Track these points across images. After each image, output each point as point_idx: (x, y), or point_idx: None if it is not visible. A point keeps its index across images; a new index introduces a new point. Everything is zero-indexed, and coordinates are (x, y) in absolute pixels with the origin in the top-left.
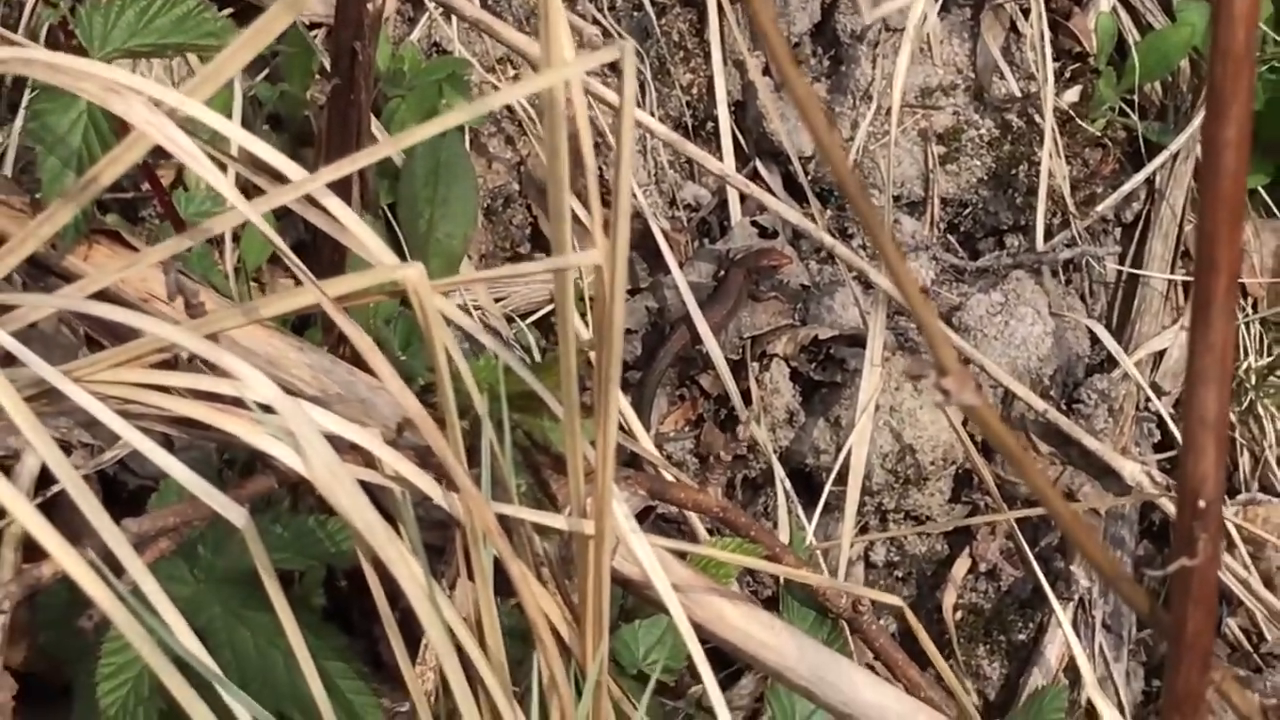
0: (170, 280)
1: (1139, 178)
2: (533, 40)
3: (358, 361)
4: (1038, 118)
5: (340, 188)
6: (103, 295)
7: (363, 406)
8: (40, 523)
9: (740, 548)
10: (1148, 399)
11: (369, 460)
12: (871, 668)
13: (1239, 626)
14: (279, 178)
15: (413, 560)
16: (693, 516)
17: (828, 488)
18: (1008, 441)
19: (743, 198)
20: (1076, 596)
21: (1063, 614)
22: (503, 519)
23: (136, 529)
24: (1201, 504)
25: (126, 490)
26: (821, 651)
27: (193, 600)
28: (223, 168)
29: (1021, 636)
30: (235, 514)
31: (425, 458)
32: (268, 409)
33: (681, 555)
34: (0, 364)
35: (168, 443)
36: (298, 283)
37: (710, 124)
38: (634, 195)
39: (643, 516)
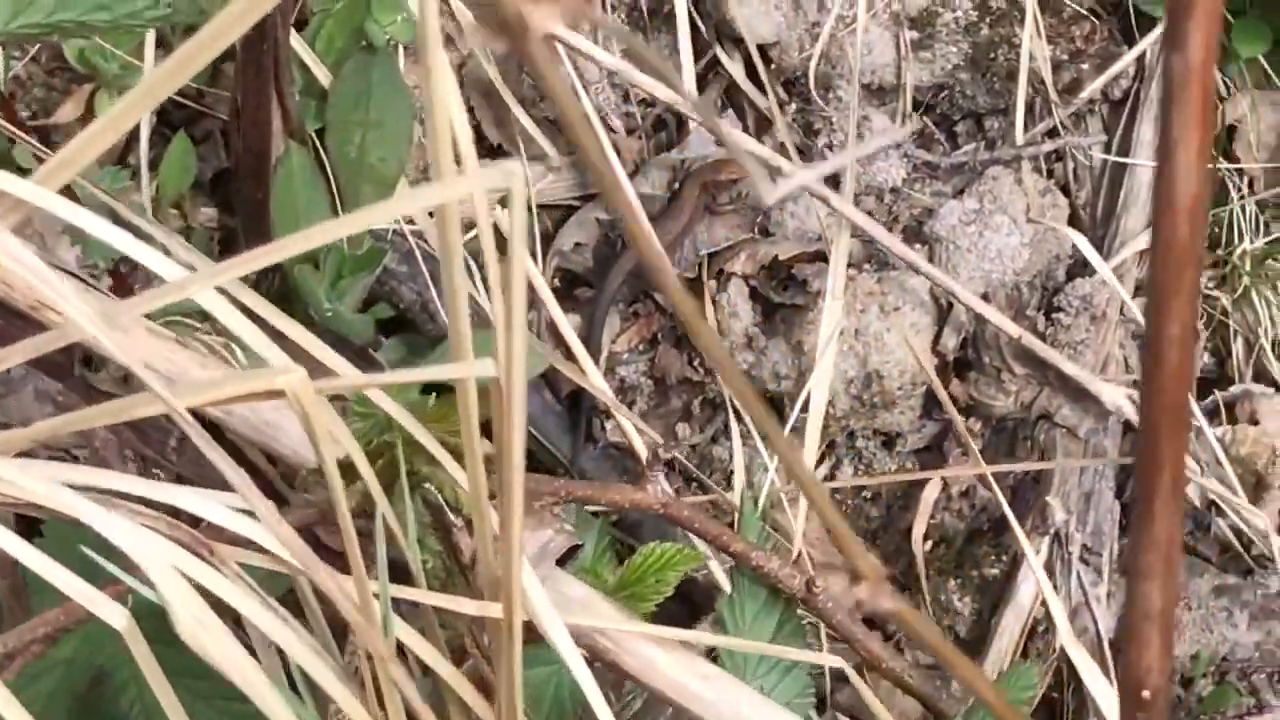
0: None
1: (1129, 56)
2: None
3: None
4: None
5: (261, 115)
6: None
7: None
8: None
9: (676, 555)
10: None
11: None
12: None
13: (1229, 527)
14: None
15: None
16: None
17: (793, 416)
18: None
19: (700, 88)
20: (1052, 530)
21: (1034, 557)
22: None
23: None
24: (1146, 695)
25: None
26: (758, 706)
27: None
28: None
29: (995, 571)
30: (115, 615)
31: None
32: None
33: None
34: None
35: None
36: (219, 210)
37: (666, 8)
38: (582, 93)
39: (571, 555)
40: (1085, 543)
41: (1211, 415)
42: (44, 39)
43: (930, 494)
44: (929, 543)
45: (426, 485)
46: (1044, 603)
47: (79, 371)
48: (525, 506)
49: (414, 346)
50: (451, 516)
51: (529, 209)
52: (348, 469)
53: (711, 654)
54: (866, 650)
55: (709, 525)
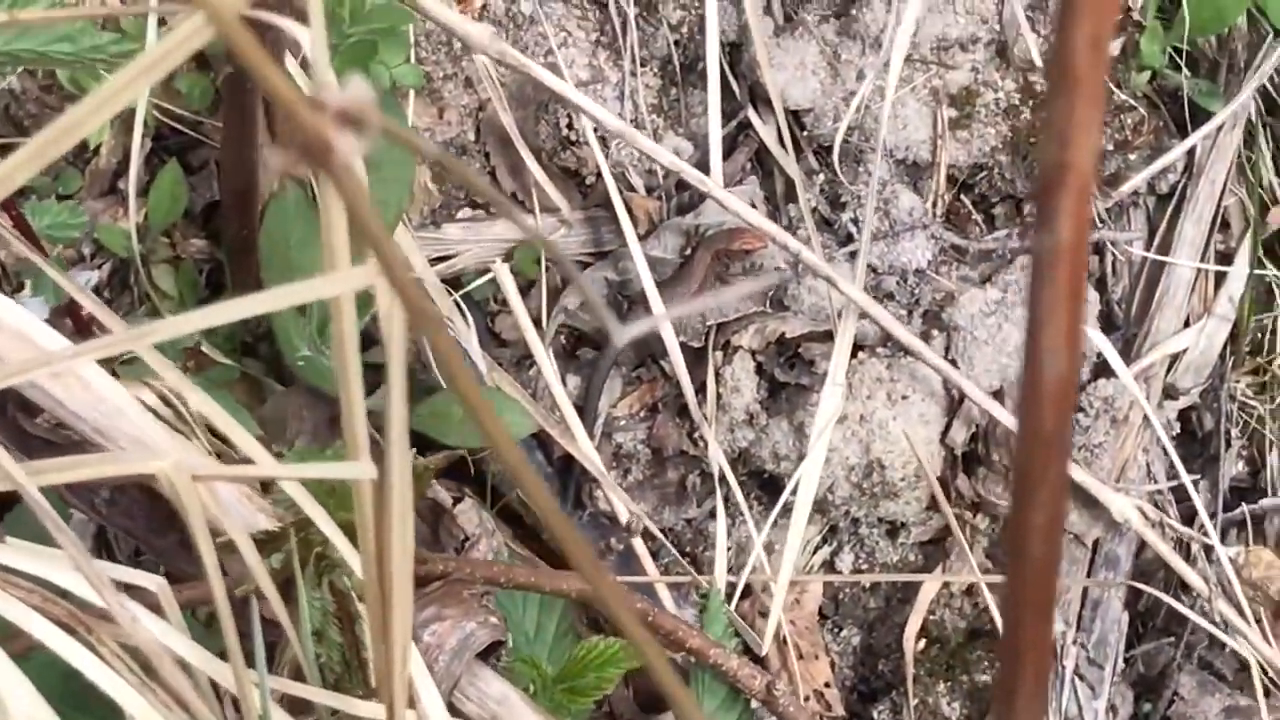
0: None
1: (1178, 150)
2: (466, 19)
3: None
4: None
5: (245, 156)
6: None
7: None
8: None
9: (618, 651)
10: (1159, 403)
11: None
12: None
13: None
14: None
15: None
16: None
17: (783, 497)
18: None
19: (729, 150)
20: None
21: None
22: None
23: None
24: None
25: None
26: None
27: None
28: None
29: (987, 678)
30: None
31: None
32: None
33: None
34: None
35: None
36: (210, 242)
37: (700, 66)
38: (598, 149)
39: (492, 649)
40: (1089, 655)
41: (1239, 528)
42: None
43: (928, 591)
44: (923, 641)
45: (337, 571)
46: None
47: (11, 414)
48: (452, 594)
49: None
50: (359, 607)
51: (538, 261)
52: (264, 543)
53: None
54: None
55: (664, 619)
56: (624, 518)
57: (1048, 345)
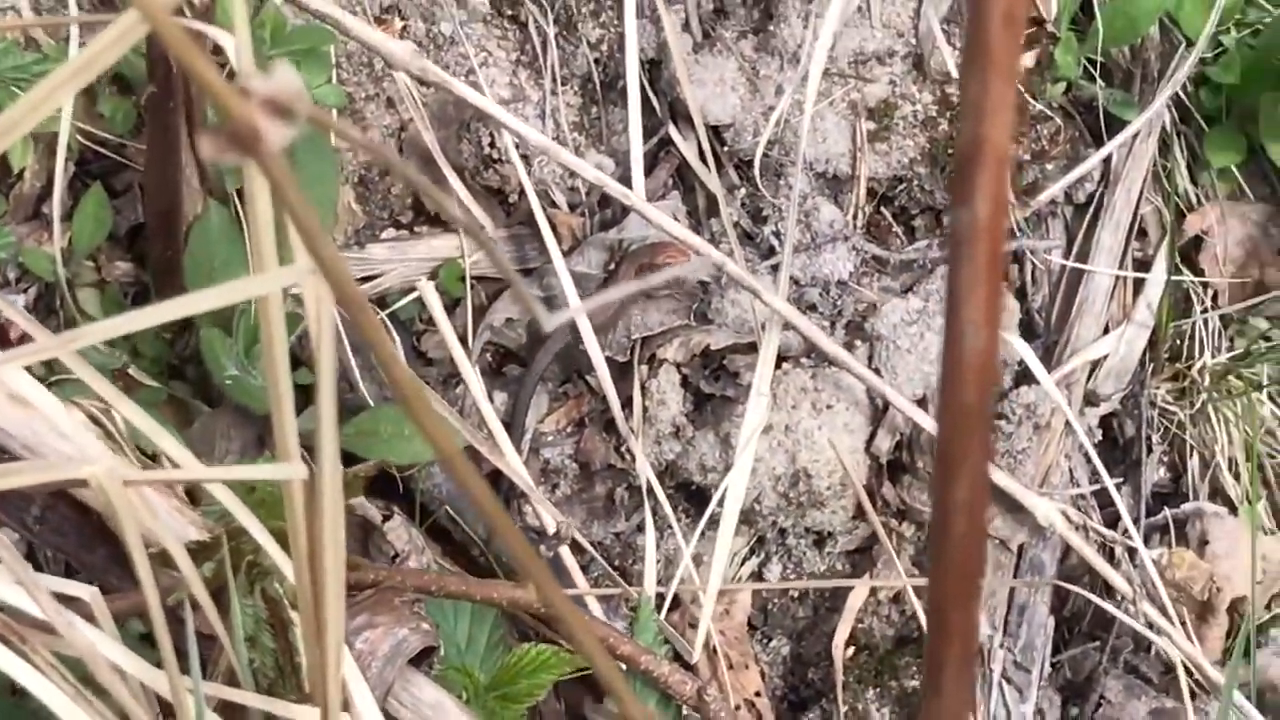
0: None
1: (1094, 159)
2: (388, 38)
3: None
4: None
5: (169, 175)
6: None
7: None
8: None
9: (551, 658)
10: (1081, 410)
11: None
12: None
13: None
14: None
15: None
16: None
17: (709, 509)
18: None
19: (651, 167)
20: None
21: None
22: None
23: None
24: None
25: None
26: None
27: None
28: None
29: (914, 683)
30: None
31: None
32: None
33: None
34: None
35: None
36: (135, 265)
37: (620, 83)
38: (520, 167)
39: (425, 656)
40: (1016, 659)
41: (1161, 532)
42: None
43: (856, 599)
44: (852, 649)
45: (269, 578)
46: None
47: None
48: (383, 602)
49: None
50: (291, 613)
51: (463, 279)
52: (197, 553)
53: None
54: None
55: (596, 627)
56: (552, 529)
57: (968, 319)
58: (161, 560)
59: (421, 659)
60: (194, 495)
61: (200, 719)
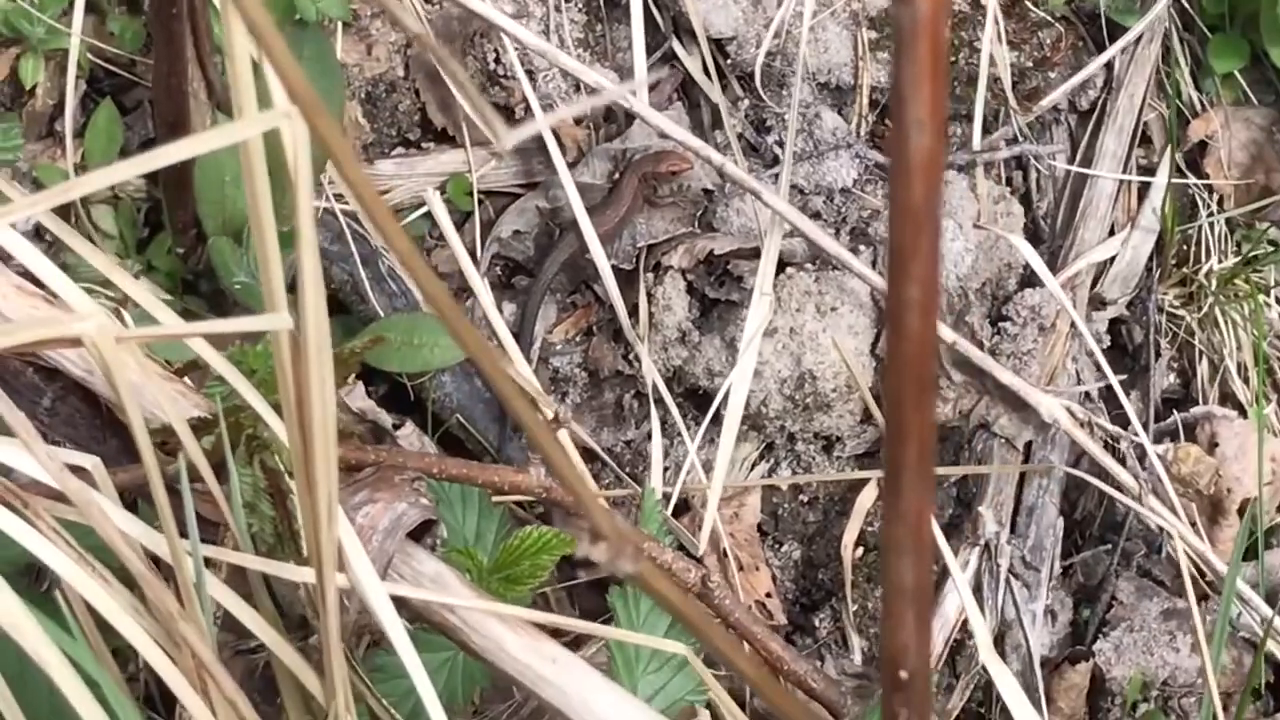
0: None
1: (1095, 64)
2: None
3: None
4: None
5: (174, 85)
6: None
7: None
8: None
9: (553, 539)
10: (1088, 315)
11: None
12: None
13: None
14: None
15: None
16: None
17: (710, 412)
18: (675, 609)
19: (651, 88)
20: (983, 541)
21: (956, 569)
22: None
23: None
24: (903, 675)
25: None
26: (605, 692)
27: None
28: None
29: None
30: None
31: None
32: None
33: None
34: None
35: None
36: (147, 180)
37: None
38: (528, 78)
39: (425, 529)
40: (1025, 557)
41: (1172, 436)
42: None
43: (865, 500)
44: (861, 549)
45: (268, 451)
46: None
47: None
48: (384, 480)
49: (345, 326)
50: (289, 482)
51: (471, 194)
52: (199, 428)
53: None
54: (765, 649)
55: (599, 514)
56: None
57: (913, 117)
58: (163, 447)
59: (422, 534)
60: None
61: (200, 580)
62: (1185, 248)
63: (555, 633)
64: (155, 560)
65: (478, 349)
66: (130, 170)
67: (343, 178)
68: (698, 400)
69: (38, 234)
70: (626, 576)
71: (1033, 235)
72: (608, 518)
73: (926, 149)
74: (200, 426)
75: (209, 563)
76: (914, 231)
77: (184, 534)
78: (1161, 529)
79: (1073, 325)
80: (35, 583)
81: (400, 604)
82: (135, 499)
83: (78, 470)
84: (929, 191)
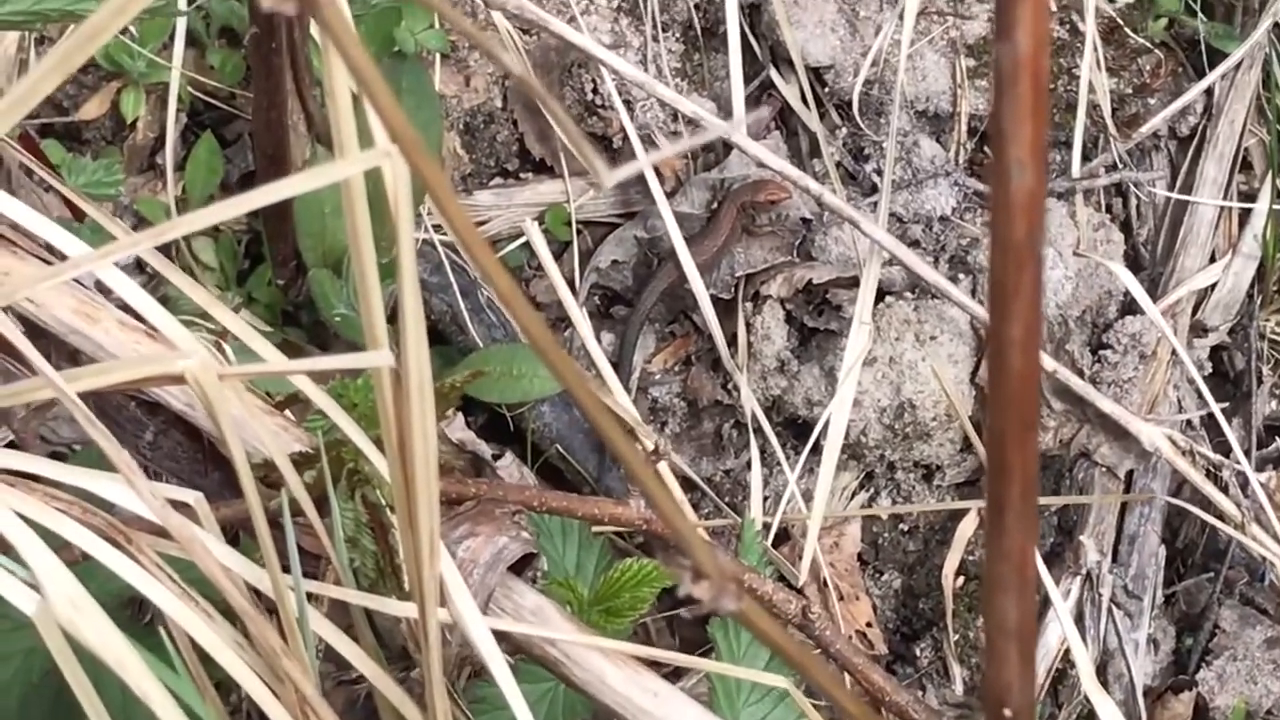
0: None
1: (1195, 90)
2: None
3: None
4: (1081, 25)
5: (274, 118)
6: None
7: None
8: None
9: (653, 571)
10: (1189, 342)
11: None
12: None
13: None
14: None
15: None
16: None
17: (810, 441)
18: (776, 643)
19: (753, 109)
20: (1084, 570)
21: (1058, 599)
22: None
23: None
24: (1007, 713)
25: None
26: None
27: None
28: None
29: None
30: (23, 601)
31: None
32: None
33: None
34: None
35: None
36: (250, 214)
37: (720, 28)
38: (625, 108)
39: (525, 562)
40: (1126, 585)
41: (1275, 463)
42: (26, 27)
43: (966, 529)
44: (962, 579)
45: (369, 486)
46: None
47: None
48: (485, 513)
49: (445, 357)
50: (390, 516)
51: (569, 224)
52: (300, 463)
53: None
54: (866, 680)
55: (699, 550)
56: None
57: (1014, 157)
58: (264, 481)
59: (523, 567)
60: (296, 412)
61: (303, 615)
62: None
63: (655, 664)
64: (257, 594)
65: (575, 383)
66: (231, 210)
67: (443, 217)
68: (797, 429)
69: (139, 267)
70: (731, 614)
71: (1133, 262)
72: (709, 554)
73: (1028, 189)
74: (302, 461)
75: (311, 597)
76: (1016, 270)
77: (286, 568)
78: (1264, 557)
79: (1174, 353)
80: (138, 616)
81: (501, 637)
82: (237, 533)
83: (180, 505)
84: (1030, 230)
